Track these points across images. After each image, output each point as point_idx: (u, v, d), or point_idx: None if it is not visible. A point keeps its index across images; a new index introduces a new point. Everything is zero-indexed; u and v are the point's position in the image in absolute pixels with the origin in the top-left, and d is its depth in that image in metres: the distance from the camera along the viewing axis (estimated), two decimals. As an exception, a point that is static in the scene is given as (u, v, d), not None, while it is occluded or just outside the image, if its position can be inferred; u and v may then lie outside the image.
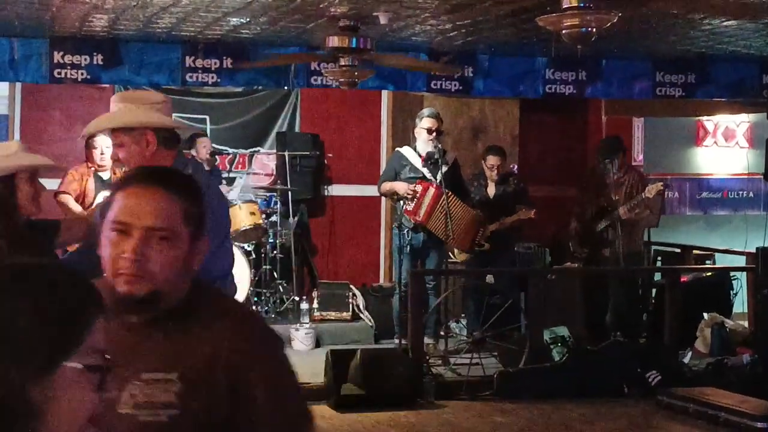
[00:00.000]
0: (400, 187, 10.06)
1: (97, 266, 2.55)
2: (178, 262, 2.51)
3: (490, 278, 11.10)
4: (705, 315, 10.62)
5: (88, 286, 1.72)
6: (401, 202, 10.12)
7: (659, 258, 12.22)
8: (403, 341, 9.73)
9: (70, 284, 1.68)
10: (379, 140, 12.81)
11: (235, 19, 8.42)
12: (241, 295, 10.74)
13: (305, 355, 10.31)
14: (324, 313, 11.22)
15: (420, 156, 10.16)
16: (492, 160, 10.82)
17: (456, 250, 10.73)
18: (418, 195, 9.97)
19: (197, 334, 2.52)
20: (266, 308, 11.16)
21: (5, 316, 1.60)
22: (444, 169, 10.02)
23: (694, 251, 12.19)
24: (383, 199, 11.81)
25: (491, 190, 10.88)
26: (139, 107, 4.50)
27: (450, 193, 9.92)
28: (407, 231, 10.10)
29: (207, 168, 11.44)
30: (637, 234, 10.82)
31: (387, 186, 10.24)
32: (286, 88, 11.40)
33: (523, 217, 10.76)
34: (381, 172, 10.98)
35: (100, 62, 9.53)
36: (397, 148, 10.67)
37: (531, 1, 7.10)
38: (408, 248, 10.12)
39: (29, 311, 1.60)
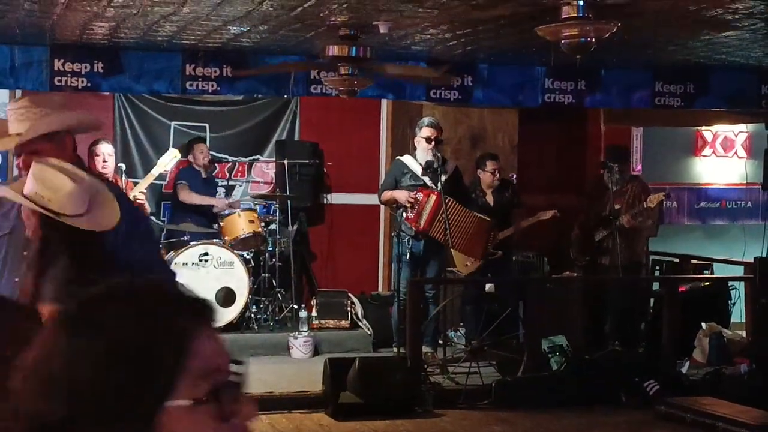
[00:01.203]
0: (401, 195, 10.08)
1: None
2: None
3: (490, 287, 11.09)
4: (703, 325, 10.64)
5: (179, 289, 1.40)
6: (401, 210, 10.14)
7: (658, 267, 12.24)
8: (402, 350, 9.74)
9: (161, 299, 1.37)
10: (379, 149, 12.83)
11: (235, 28, 8.44)
12: (239, 303, 10.76)
13: (303, 363, 10.33)
14: (322, 321, 11.23)
15: (420, 164, 10.18)
16: (492, 164, 10.82)
17: (459, 264, 10.70)
18: (419, 202, 9.99)
19: None
20: (264, 316, 11.16)
21: (78, 362, 1.28)
22: (444, 177, 10.04)
23: (693, 261, 12.20)
24: (382, 207, 11.82)
25: (490, 199, 10.89)
26: (55, 111, 4.25)
27: (450, 200, 9.93)
28: (408, 239, 10.11)
29: (204, 175, 11.48)
30: (639, 244, 10.83)
31: (388, 195, 10.26)
32: (285, 96, 11.43)
33: (544, 218, 10.73)
34: (380, 181, 10.99)
35: (101, 70, 9.54)
36: (398, 157, 10.69)
37: (529, 9, 7.12)
38: (408, 256, 10.13)
39: (116, 349, 1.29)
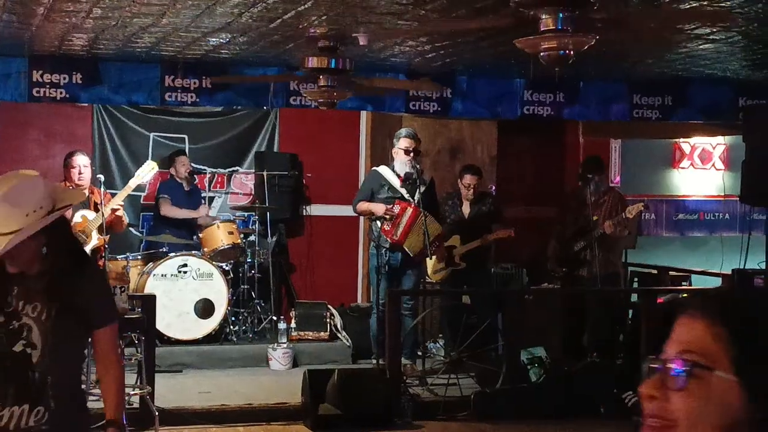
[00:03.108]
0: (378, 208, 10.08)
1: None
2: None
3: (466, 298, 11.11)
4: (681, 336, 10.64)
5: None
6: (378, 222, 10.14)
7: (636, 279, 12.27)
8: (381, 361, 9.74)
9: None
10: (358, 160, 12.83)
11: (214, 39, 8.44)
12: (218, 315, 10.74)
13: (282, 375, 10.31)
14: (301, 333, 11.21)
15: (398, 176, 10.18)
16: (468, 179, 10.81)
17: (430, 271, 10.75)
18: (396, 215, 10.00)
19: None
20: (244, 328, 11.15)
21: None
22: (422, 189, 10.04)
23: (671, 272, 12.23)
24: (361, 219, 11.82)
25: (466, 209, 10.89)
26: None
27: (426, 213, 9.94)
28: (385, 251, 10.11)
29: (187, 188, 11.46)
30: (615, 255, 10.84)
31: (364, 206, 10.25)
32: (264, 108, 11.42)
33: (502, 236, 10.74)
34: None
35: (79, 81, 9.53)
36: (374, 168, 10.68)
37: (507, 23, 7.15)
38: (386, 268, 10.13)
39: None
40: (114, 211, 9.78)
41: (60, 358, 3.93)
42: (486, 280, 11.31)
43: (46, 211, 3.90)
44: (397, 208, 10.01)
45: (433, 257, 10.47)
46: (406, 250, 10.07)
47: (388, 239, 10.06)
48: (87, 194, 9.99)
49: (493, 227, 10.88)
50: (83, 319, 4.00)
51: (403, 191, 10.15)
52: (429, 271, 10.75)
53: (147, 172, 10.18)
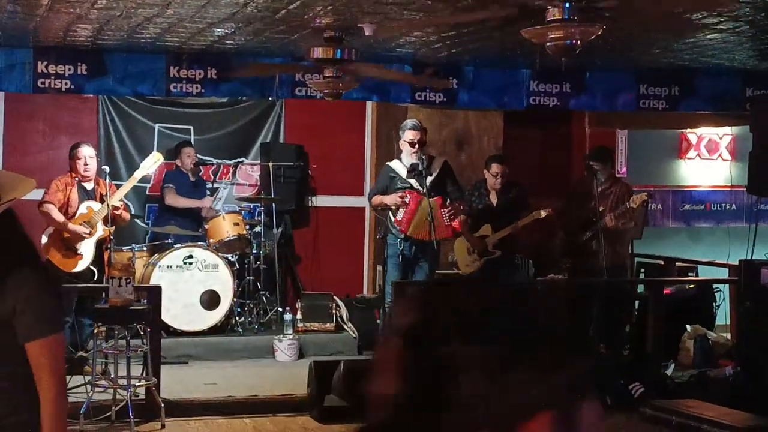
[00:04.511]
0: (390, 199, 10.05)
1: None
2: None
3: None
4: (688, 327, 10.64)
5: None
6: (391, 214, 10.11)
7: (642, 270, 12.24)
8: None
9: None
10: (364, 151, 12.81)
11: (219, 30, 8.41)
12: (224, 306, 10.74)
13: (288, 366, 10.31)
14: (307, 324, 11.20)
15: (406, 168, 10.14)
16: (495, 168, 10.73)
17: (461, 264, 10.69)
18: (407, 206, 9.96)
19: None
20: (249, 319, 11.13)
21: None
22: (429, 179, 10.00)
23: (677, 263, 12.21)
24: (367, 209, 11.80)
25: (494, 198, 10.81)
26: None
27: (431, 199, 9.89)
28: (399, 241, 10.04)
29: (192, 179, 11.45)
30: (622, 246, 10.81)
31: (378, 200, 10.23)
32: (270, 98, 11.40)
33: (538, 217, 10.64)
34: (365, 183, 10.96)
35: (84, 72, 9.50)
36: (387, 163, 10.64)
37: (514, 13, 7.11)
38: (399, 258, 10.07)
39: None
40: (115, 208, 9.76)
41: None
42: (514, 268, 11.22)
43: None
44: (407, 198, 9.98)
45: (462, 247, 10.47)
46: (411, 236, 10.03)
47: (399, 230, 10.03)
48: (93, 185, 9.98)
49: (522, 214, 10.78)
50: (14, 331, 3.45)
51: (413, 182, 10.11)
52: (460, 264, 10.70)
53: (152, 164, 10.17)
